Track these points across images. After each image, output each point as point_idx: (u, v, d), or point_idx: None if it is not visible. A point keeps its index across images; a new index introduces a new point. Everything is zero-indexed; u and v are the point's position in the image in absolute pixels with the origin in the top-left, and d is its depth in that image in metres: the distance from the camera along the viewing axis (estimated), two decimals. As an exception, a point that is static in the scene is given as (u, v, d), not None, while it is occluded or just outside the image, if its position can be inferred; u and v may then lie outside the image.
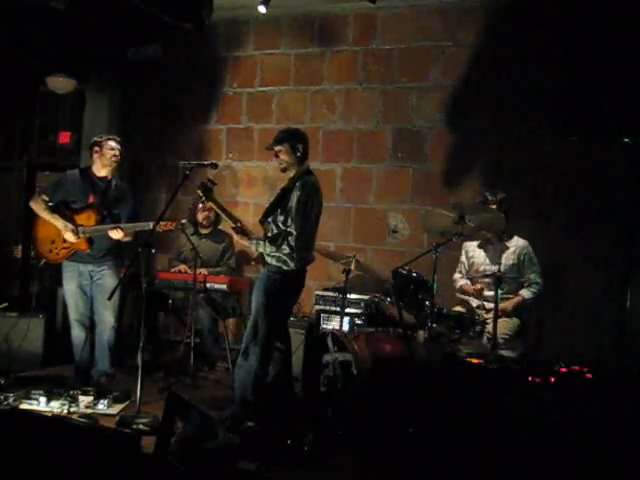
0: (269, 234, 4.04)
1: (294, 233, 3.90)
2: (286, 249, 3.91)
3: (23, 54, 6.18)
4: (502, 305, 4.48)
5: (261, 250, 4.02)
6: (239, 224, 4.06)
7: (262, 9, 5.57)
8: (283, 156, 4.02)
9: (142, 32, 6.46)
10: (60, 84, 6.40)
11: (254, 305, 4.03)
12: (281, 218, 3.96)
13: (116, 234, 4.60)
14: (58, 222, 4.66)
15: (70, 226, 4.64)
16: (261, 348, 3.95)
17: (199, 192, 3.99)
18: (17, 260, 6.83)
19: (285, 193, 4.03)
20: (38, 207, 4.74)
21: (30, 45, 6.13)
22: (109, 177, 4.83)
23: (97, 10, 6.00)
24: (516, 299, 4.62)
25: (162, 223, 4.52)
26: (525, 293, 4.64)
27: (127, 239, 4.71)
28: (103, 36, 6.41)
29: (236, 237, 4.09)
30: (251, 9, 5.83)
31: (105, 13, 6.10)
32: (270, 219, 4.04)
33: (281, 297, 4.01)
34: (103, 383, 4.71)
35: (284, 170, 4.06)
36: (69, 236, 4.65)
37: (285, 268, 3.94)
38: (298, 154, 4.01)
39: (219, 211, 4.09)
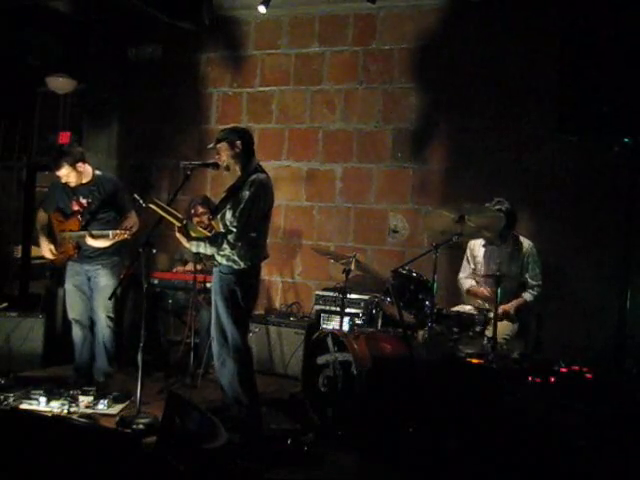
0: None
1: (234, 230, 3.84)
2: (226, 248, 3.85)
3: (23, 54, 6.18)
4: (504, 307, 4.50)
5: (202, 251, 3.97)
6: (185, 223, 3.98)
7: (262, 9, 5.57)
8: (223, 154, 3.98)
9: (142, 32, 6.48)
10: (60, 84, 6.39)
11: (216, 310, 3.97)
12: (229, 217, 3.91)
13: (91, 241, 4.63)
14: (41, 239, 4.81)
15: (49, 245, 4.77)
16: (236, 350, 3.92)
17: (136, 196, 3.97)
18: (17, 260, 6.82)
19: (234, 191, 3.98)
20: (37, 221, 4.91)
21: (30, 45, 6.13)
22: (90, 180, 4.77)
23: (97, 10, 6.02)
24: (518, 301, 4.63)
25: (117, 232, 4.54)
26: (527, 296, 4.67)
27: (125, 236, 4.62)
28: (103, 36, 6.42)
29: (177, 235, 4.00)
30: (251, 9, 5.84)
31: (105, 13, 6.11)
32: (219, 217, 4.01)
33: (240, 297, 3.95)
34: (102, 382, 4.72)
35: (227, 168, 4.01)
36: (46, 253, 4.79)
37: (236, 267, 3.90)
38: (237, 150, 3.96)
39: (161, 212, 4.01)
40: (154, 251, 4.31)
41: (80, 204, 4.76)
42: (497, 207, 4.53)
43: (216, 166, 4.15)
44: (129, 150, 6.83)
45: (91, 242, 4.64)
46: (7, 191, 6.95)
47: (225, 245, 3.85)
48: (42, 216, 4.87)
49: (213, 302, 4.04)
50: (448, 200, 5.36)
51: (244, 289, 3.98)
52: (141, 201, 4.07)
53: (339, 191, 6.04)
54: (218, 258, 3.94)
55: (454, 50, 5.62)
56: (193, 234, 3.99)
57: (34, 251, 6.63)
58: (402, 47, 5.81)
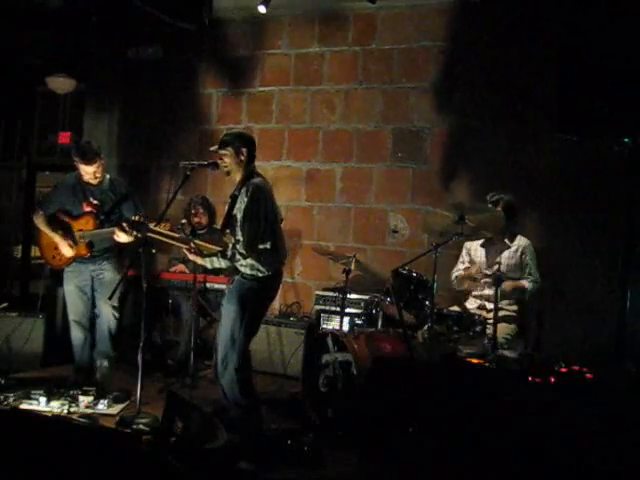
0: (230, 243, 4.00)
1: (241, 240, 3.82)
2: (240, 258, 3.82)
3: (23, 54, 6.19)
4: (504, 284, 4.44)
5: (217, 265, 3.94)
6: (192, 244, 3.96)
7: (262, 9, 5.57)
8: (227, 159, 3.95)
9: (142, 32, 6.48)
10: (60, 84, 6.40)
11: (228, 314, 3.91)
12: (234, 227, 3.90)
13: (122, 236, 4.57)
14: (56, 237, 4.70)
15: (67, 241, 4.67)
16: (239, 354, 3.88)
17: (134, 233, 3.94)
18: (17, 260, 6.83)
19: (233, 201, 3.95)
20: (39, 222, 4.77)
21: (30, 45, 6.14)
22: (100, 180, 4.75)
23: (97, 10, 6.02)
24: (517, 283, 4.60)
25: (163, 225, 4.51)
26: (526, 283, 4.62)
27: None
28: (103, 36, 6.42)
29: (191, 257, 4.00)
30: (251, 9, 5.84)
31: (105, 13, 6.11)
32: (228, 229, 3.97)
33: (256, 303, 3.92)
34: (105, 371, 4.72)
35: (228, 173, 3.99)
36: (66, 250, 4.69)
37: (260, 275, 3.86)
38: (242, 157, 3.94)
39: (164, 239, 3.99)
40: (153, 251, 4.31)
41: (92, 204, 4.71)
42: (494, 199, 4.51)
43: (215, 166, 4.14)
44: (129, 150, 6.83)
45: (123, 238, 4.57)
46: (7, 191, 6.96)
47: (238, 256, 3.83)
48: (42, 217, 4.77)
49: (226, 306, 4.00)
50: (448, 200, 5.36)
51: (262, 296, 3.96)
52: (138, 235, 4.03)
53: (339, 191, 6.04)
54: (242, 268, 3.91)
55: (454, 50, 5.62)
56: (204, 251, 3.98)
57: (34, 251, 6.64)
58: (402, 47, 5.81)
